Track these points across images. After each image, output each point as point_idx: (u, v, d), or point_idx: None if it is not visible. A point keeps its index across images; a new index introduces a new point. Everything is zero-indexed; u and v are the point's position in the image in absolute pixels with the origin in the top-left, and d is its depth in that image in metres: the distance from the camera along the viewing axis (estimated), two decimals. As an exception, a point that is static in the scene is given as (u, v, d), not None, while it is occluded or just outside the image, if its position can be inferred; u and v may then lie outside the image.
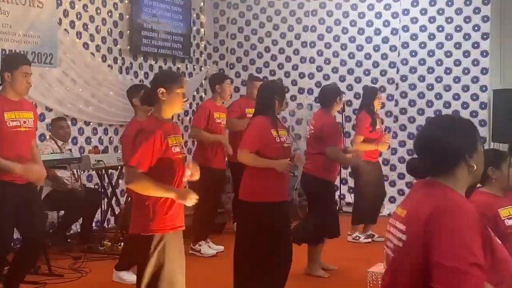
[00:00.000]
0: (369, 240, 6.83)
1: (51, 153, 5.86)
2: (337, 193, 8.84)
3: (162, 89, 3.50)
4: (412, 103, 8.85)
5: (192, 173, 3.63)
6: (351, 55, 9.09)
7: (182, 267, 3.59)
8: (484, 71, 8.58)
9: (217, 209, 6.69)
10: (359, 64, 9.07)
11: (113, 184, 6.60)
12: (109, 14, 7.49)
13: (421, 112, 8.77)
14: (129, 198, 6.61)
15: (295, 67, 9.25)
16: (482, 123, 8.58)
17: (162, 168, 3.44)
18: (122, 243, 6.29)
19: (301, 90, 9.18)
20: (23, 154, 4.31)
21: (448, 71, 8.73)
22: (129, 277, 5.18)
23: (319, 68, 9.19)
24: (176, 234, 3.55)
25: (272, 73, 9.26)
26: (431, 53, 8.79)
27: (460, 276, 1.84)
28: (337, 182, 8.77)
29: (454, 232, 1.91)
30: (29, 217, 4.40)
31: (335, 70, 9.14)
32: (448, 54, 8.72)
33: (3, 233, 4.33)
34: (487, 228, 2.11)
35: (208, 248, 6.34)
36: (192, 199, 3.45)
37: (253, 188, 4.40)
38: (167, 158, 3.45)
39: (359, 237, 6.89)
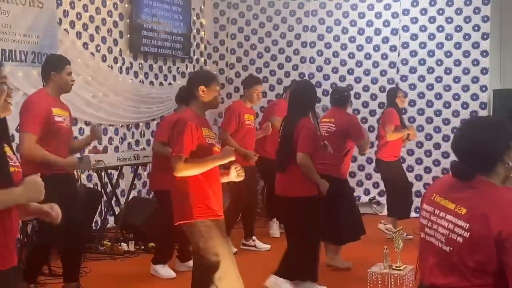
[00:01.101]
0: (411, 236, 6.69)
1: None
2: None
3: (203, 87, 3.84)
4: (412, 103, 8.85)
5: (237, 173, 3.93)
6: (351, 55, 9.09)
7: (231, 253, 3.86)
8: (484, 71, 8.58)
9: (249, 209, 6.67)
10: (359, 64, 9.07)
11: (113, 184, 6.60)
12: (109, 14, 7.49)
13: (421, 112, 8.77)
14: (129, 198, 6.65)
15: (295, 67, 9.25)
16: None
17: (200, 154, 3.73)
18: (122, 243, 6.30)
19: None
20: (63, 150, 4.64)
21: (448, 71, 8.73)
22: (165, 271, 5.50)
23: (319, 68, 9.19)
24: (219, 222, 3.79)
25: (272, 73, 9.26)
26: (431, 53, 8.79)
27: None
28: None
29: None
30: (72, 210, 4.52)
31: (335, 70, 9.14)
32: (448, 54, 8.72)
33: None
34: None
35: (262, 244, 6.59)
36: (233, 154, 3.78)
37: (303, 184, 4.83)
38: (203, 147, 3.74)
39: (391, 229, 6.81)
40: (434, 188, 2.46)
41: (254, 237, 6.68)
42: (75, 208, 4.61)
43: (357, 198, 8.88)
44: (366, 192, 9.07)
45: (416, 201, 7.84)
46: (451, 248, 2.25)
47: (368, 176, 9.03)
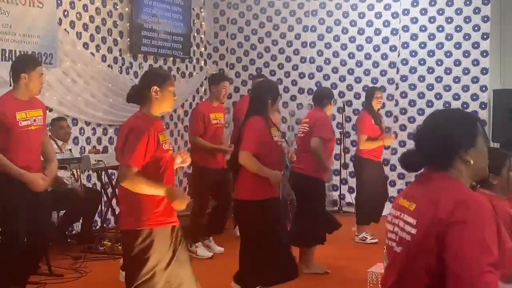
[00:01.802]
0: (376, 240, 6.80)
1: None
2: (337, 193, 8.88)
3: (155, 87, 3.58)
4: (412, 103, 8.85)
5: (182, 159, 3.72)
6: (351, 55, 9.09)
7: (180, 261, 3.57)
8: (484, 71, 8.58)
9: (218, 210, 6.65)
10: (359, 64, 9.07)
11: (113, 184, 6.60)
12: (109, 14, 7.49)
13: (421, 112, 8.77)
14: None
15: (295, 67, 9.25)
16: (482, 123, 8.57)
17: (153, 165, 3.49)
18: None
19: (301, 90, 9.18)
20: (34, 153, 4.52)
21: (448, 71, 8.73)
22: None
23: (319, 68, 9.19)
24: (168, 229, 3.54)
25: (272, 73, 9.26)
26: (431, 53, 8.79)
27: (479, 275, 1.85)
28: (337, 182, 8.87)
29: (475, 230, 1.89)
30: (35, 217, 4.50)
31: (335, 70, 9.14)
32: (448, 54, 8.72)
33: (16, 226, 4.45)
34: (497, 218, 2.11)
35: (204, 250, 6.33)
36: (181, 203, 3.46)
37: (254, 187, 4.46)
38: (158, 156, 3.50)
39: (366, 238, 6.89)
40: (403, 191, 2.30)
41: (211, 238, 6.52)
42: (34, 209, 4.50)
43: (342, 196, 8.90)
44: (351, 190, 9.05)
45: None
46: (402, 248, 2.09)
47: (352, 174, 9.03)
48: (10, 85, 4.55)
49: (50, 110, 6.63)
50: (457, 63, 8.69)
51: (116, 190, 6.78)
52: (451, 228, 1.91)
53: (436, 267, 1.94)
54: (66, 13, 6.80)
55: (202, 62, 9.22)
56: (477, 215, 1.92)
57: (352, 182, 9.01)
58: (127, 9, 7.73)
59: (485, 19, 8.55)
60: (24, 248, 4.53)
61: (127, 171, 3.43)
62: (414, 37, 8.85)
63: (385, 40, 8.98)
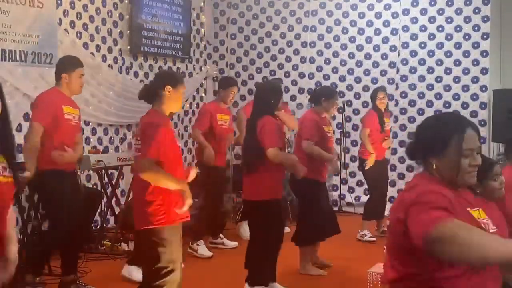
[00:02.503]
0: (374, 239, 6.83)
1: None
2: (337, 193, 8.88)
3: (169, 87, 3.77)
4: (412, 103, 8.85)
5: (187, 174, 3.82)
6: (351, 55, 9.09)
7: (180, 258, 3.79)
8: (484, 71, 8.58)
9: (218, 208, 6.68)
10: (359, 64, 9.07)
11: (113, 184, 6.60)
12: (109, 14, 7.49)
13: (421, 112, 8.76)
14: (129, 198, 6.64)
15: (295, 67, 9.25)
16: (482, 123, 8.57)
17: (167, 160, 3.64)
18: (122, 243, 6.31)
19: (301, 90, 9.18)
20: (71, 145, 4.83)
21: (448, 71, 8.73)
22: (138, 274, 5.21)
23: (319, 68, 9.19)
24: (178, 226, 3.75)
25: (272, 73, 9.25)
26: (431, 53, 8.79)
27: (428, 219, 1.97)
28: (337, 182, 8.87)
29: (422, 201, 2.05)
30: (73, 205, 4.81)
31: (335, 70, 9.14)
32: (448, 54, 8.72)
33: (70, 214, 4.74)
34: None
35: (205, 249, 6.37)
36: (187, 203, 3.63)
37: (263, 188, 4.71)
38: (173, 151, 3.69)
39: (365, 235, 6.93)
40: None
41: (222, 236, 6.71)
42: (76, 204, 4.81)
43: (342, 196, 8.91)
44: (351, 190, 9.06)
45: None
46: (387, 242, 2.29)
47: (352, 174, 9.04)
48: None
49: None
50: (457, 63, 8.68)
51: (116, 190, 6.80)
52: (409, 212, 2.07)
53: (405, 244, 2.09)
54: (66, 13, 6.80)
55: (202, 62, 9.22)
56: (423, 193, 2.08)
57: (352, 182, 9.03)
58: (127, 9, 7.73)
59: (485, 19, 8.54)
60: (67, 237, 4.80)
61: (146, 163, 3.59)
62: (414, 37, 8.85)
63: (385, 40, 8.97)
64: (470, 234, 1.90)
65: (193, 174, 3.82)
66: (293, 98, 9.19)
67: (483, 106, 8.59)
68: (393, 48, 8.95)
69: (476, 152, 2.19)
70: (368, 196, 7.42)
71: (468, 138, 2.17)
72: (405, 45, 8.88)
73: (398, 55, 8.92)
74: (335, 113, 6.18)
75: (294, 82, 9.25)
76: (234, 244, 6.62)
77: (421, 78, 8.83)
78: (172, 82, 3.79)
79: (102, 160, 6.07)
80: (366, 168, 6.93)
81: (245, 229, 6.64)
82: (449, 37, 8.72)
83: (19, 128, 6.03)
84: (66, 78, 4.86)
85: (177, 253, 3.70)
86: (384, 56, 8.99)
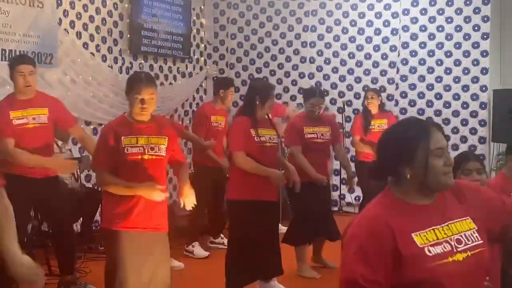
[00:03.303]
0: None
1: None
2: (337, 193, 8.88)
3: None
4: (412, 103, 8.85)
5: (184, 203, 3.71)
6: (351, 55, 9.09)
7: (146, 269, 3.60)
8: (484, 71, 8.58)
9: (218, 209, 6.67)
10: (359, 64, 9.07)
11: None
12: (109, 14, 7.49)
13: (421, 112, 8.76)
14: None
15: (295, 67, 9.25)
16: (482, 123, 8.58)
17: (120, 168, 3.57)
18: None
19: (301, 90, 9.17)
20: (36, 149, 4.58)
21: (448, 71, 8.73)
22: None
23: (319, 68, 9.19)
24: (142, 235, 3.57)
25: (272, 73, 9.26)
26: (431, 53, 8.79)
27: (348, 278, 1.95)
28: (337, 182, 8.86)
29: (350, 244, 2.01)
30: (50, 211, 4.77)
31: (335, 70, 9.14)
32: (448, 54, 8.72)
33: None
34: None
35: (201, 249, 6.37)
36: (158, 194, 3.49)
37: (241, 187, 4.53)
38: (122, 159, 3.56)
39: None
40: None
41: (222, 235, 6.63)
42: (54, 208, 4.76)
43: (342, 196, 8.90)
44: (351, 190, 9.01)
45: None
46: None
47: (352, 174, 8.99)
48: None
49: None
50: (457, 63, 8.68)
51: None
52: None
53: None
54: (66, 13, 6.80)
55: (202, 62, 9.22)
56: (349, 240, 2.01)
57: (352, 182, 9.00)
58: (127, 9, 7.73)
59: (485, 19, 8.54)
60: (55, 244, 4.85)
61: (95, 172, 3.72)
62: (414, 37, 8.85)
63: (385, 40, 8.97)
64: None
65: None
66: (293, 98, 9.19)
67: (483, 106, 8.59)
68: (393, 48, 8.95)
69: (446, 151, 2.06)
70: (363, 197, 7.34)
71: (434, 138, 2.04)
72: (405, 45, 8.88)
73: (398, 55, 8.92)
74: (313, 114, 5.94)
75: (294, 82, 9.25)
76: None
77: (421, 78, 8.83)
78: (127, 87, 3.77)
79: (102, 160, 6.06)
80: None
81: None
82: (449, 37, 8.72)
83: None
84: (12, 79, 4.65)
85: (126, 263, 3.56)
86: (384, 56, 8.98)
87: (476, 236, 2.06)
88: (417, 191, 2.06)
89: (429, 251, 1.96)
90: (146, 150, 3.60)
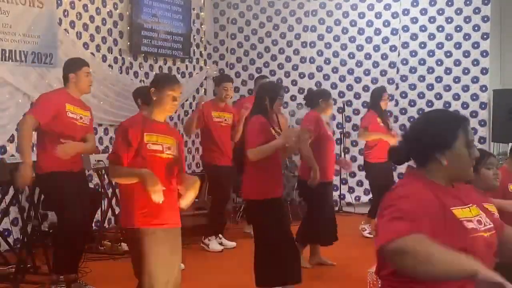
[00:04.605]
0: (371, 236, 6.85)
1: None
2: (337, 193, 8.88)
3: (153, 88, 3.67)
4: (412, 103, 8.85)
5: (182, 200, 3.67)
6: (351, 55, 9.09)
7: (171, 266, 3.62)
8: (484, 71, 8.58)
9: (226, 205, 6.78)
10: (359, 64, 9.07)
11: (113, 184, 6.60)
12: (109, 14, 7.49)
13: (421, 112, 8.75)
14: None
15: (295, 67, 9.25)
16: (482, 123, 8.58)
17: (138, 164, 3.54)
18: (122, 243, 6.31)
19: (301, 90, 9.18)
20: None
21: (448, 71, 8.73)
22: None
23: (319, 68, 9.19)
24: (164, 231, 3.57)
25: (272, 73, 9.25)
26: (431, 53, 8.79)
27: (384, 224, 1.97)
28: (337, 182, 8.86)
29: (392, 205, 2.03)
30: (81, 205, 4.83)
31: (335, 70, 9.14)
32: (448, 54, 8.72)
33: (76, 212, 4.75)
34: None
35: (216, 244, 6.49)
36: (156, 190, 3.42)
37: (258, 187, 4.59)
38: (142, 154, 3.55)
39: (365, 229, 6.99)
40: None
41: (220, 235, 6.67)
42: (81, 204, 4.81)
43: (342, 196, 8.90)
44: (351, 191, 9.05)
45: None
46: None
47: (352, 174, 9.03)
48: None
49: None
50: (457, 63, 8.69)
51: (116, 190, 6.79)
52: (381, 214, 2.06)
53: None
54: (66, 13, 6.80)
55: (202, 62, 9.22)
56: (399, 197, 2.05)
57: (352, 182, 9.03)
58: (127, 9, 7.73)
59: (485, 19, 8.55)
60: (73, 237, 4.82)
61: (109, 166, 3.63)
62: (414, 37, 8.85)
63: (385, 40, 8.98)
64: (429, 251, 1.86)
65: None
66: (293, 98, 9.19)
67: (483, 106, 8.60)
68: (393, 48, 8.96)
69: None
70: (371, 195, 7.42)
71: (469, 130, 2.16)
72: (405, 45, 8.89)
73: (398, 55, 8.92)
74: (331, 113, 6.13)
75: (294, 82, 9.25)
76: (232, 244, 6.63)
77: (421, 78, 8.83)
78: (157, 83, 3.75)
79: (102, 160, 6.07)
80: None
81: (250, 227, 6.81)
82: (449, 37, 8.72)
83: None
84: (73, 78, 4.87)
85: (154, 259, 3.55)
86: (384, 56, 8.99)
87: (488, 220, 2.19)
88: (445, 176, 2.16)
89: (467, 224, 2.08)
90: (165, 149, 3.64)
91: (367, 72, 9.04)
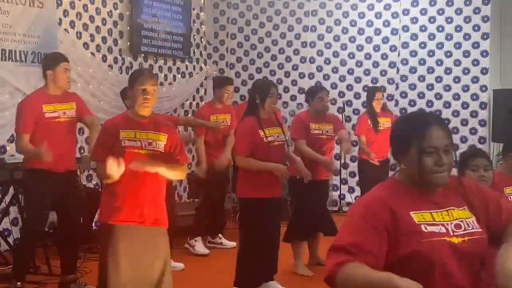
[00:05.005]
0: None
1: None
2: (337, 193, 8.88)
3: (128, 88, 3.82)
4: (412, 103, 8.85)
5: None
6: (351, 55, 9.09)
7: (138, 265, 3.63)
8: (484, 71, 8.59)
9: (218, 208, 6.70)
10: (359, 64, 9.07)
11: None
12: (109, 14, 7.49)
13: (421, 112, 8.75)
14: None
15: (295, 67, 9.25)
16: (482, 123, 8.58)
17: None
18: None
19: (301, 90, 9.17)
20: (61, 144, 4.79)
21: (448, 71, 8.73)
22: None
23: (319, 68, 9.19)
24: (133, 229, 3.63)
25: (272, 73, 9.26)
26: (431, 53, 8.79)
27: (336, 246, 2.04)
28: (337, 182, 8.86)
29: (345, 220, 2.14)
30: (68, 205, 4.87)
31: (335, 70, 9.14)
32: (448, 54, 8.72)
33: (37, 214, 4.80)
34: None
35: (202, 246, 6.39)
36: (113, 170, 3.47)
37: (251, 185, 4.57)
38: (119, 151, 3.61)
39: None
40: None
41: (220, 235, 6.69)
42: (71, 204, 4.88)
43: (342, 196, 8.90)
44: (351, 190, 9.06)
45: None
46: None
47: (352, 174, 9.03)
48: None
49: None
50: (457, 63, 8.69)
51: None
52: None
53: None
54: (66, 13, 6.80)
55: (202, 62, 9.22)
56: (354, 205, 2.17)
57: (352, 182, 9.02)
58: (127, 9, 7.73)
59: (485, 19, 8.55)
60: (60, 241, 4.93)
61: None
62: (414, 37, 8.85)
63: (385, 40, 8.98)
64: (357, 276, 1.94)
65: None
66: (293, 98, 9.19)
67: (483, 106, 8.60)
68: (393, 48, 8.96)
69: (443, 151, 2.05)
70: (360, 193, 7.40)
71: (430, 136, 2.04)
72: (405, 45, 8.89)
73: (398, 55, 8.92)
74: (326, 105, 5.93)
75: (294, 82, 9.25)
76: (232, 244, 6.61)
77: (421, 78, 8.83)
78: (129, 81, 3.85)
79: (102, 160, 6.06)
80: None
81: None
82: (449, 37, 8.72)
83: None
84: (51, 75, 4.83)
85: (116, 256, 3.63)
86: (384, 56, 8.99)
87: (476, 225, 2.09)
88: (413, 181, 2.12)
89: (425, 228, 2.02)
90: (144, 145, 3.67)
91: (367, 72, 9.04)
